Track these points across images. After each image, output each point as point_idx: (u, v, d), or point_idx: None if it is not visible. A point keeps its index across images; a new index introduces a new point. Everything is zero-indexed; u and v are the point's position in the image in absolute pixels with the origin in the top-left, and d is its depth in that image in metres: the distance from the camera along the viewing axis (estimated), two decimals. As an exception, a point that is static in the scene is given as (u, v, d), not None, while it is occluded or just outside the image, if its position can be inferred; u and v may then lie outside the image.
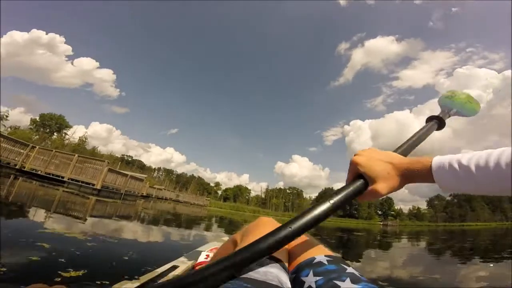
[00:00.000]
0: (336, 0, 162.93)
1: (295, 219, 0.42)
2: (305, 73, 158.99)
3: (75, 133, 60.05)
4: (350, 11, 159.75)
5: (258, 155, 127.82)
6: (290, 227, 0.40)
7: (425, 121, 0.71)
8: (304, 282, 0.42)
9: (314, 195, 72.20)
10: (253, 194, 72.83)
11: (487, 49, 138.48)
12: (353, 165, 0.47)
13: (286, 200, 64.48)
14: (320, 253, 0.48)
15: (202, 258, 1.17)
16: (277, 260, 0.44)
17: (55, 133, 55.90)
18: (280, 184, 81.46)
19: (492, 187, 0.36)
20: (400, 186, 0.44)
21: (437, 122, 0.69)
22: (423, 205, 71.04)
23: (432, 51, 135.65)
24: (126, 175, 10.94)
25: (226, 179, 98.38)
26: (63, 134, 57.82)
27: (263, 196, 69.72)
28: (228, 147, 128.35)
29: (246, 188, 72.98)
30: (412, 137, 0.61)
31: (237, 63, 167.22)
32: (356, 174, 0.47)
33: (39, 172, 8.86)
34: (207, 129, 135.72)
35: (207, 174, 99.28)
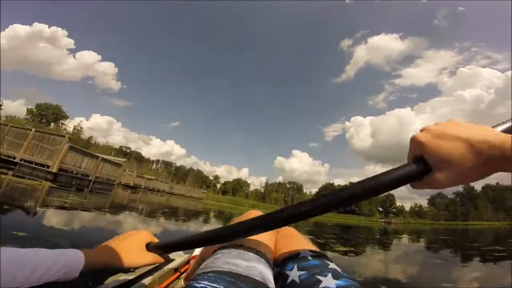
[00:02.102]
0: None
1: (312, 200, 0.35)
2: (308, 69, 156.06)
3: (72, 123, 58.83)
4: (355, 8, 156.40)
5: (259, 149, 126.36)
6: (305, 207, 0.35)
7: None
8: (288, 276, 0.44)
9: (314, 190, 71.14)
10: (252, 188, 71.91)
11: (490, 49, 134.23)
12: (414, 143, 0.32)
13: (286, 194, 63.32)
14: (305, 247, 0.51)
15: (197, 251, 1.07)
16: (263, 255, 0.44)
17: (51, 123, 54.68)
18: (279, 179, 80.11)
19: None
20: (478, 176, 0.28)
21: None
22: (423, 203, 69.55)
23: (436, 50, 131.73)
24: (97, 157, 9.20)
25: (226, 172, 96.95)
26: (60, 124, 56.68)
27: (262, 190, 68.65)
28: (229, 141, 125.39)
29: (246, 182, 71.79)
30: None
31: (239, 59, 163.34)
32: (415, 156, 0.32)
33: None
34: (209, 122, 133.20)
35: (207, 168, 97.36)
